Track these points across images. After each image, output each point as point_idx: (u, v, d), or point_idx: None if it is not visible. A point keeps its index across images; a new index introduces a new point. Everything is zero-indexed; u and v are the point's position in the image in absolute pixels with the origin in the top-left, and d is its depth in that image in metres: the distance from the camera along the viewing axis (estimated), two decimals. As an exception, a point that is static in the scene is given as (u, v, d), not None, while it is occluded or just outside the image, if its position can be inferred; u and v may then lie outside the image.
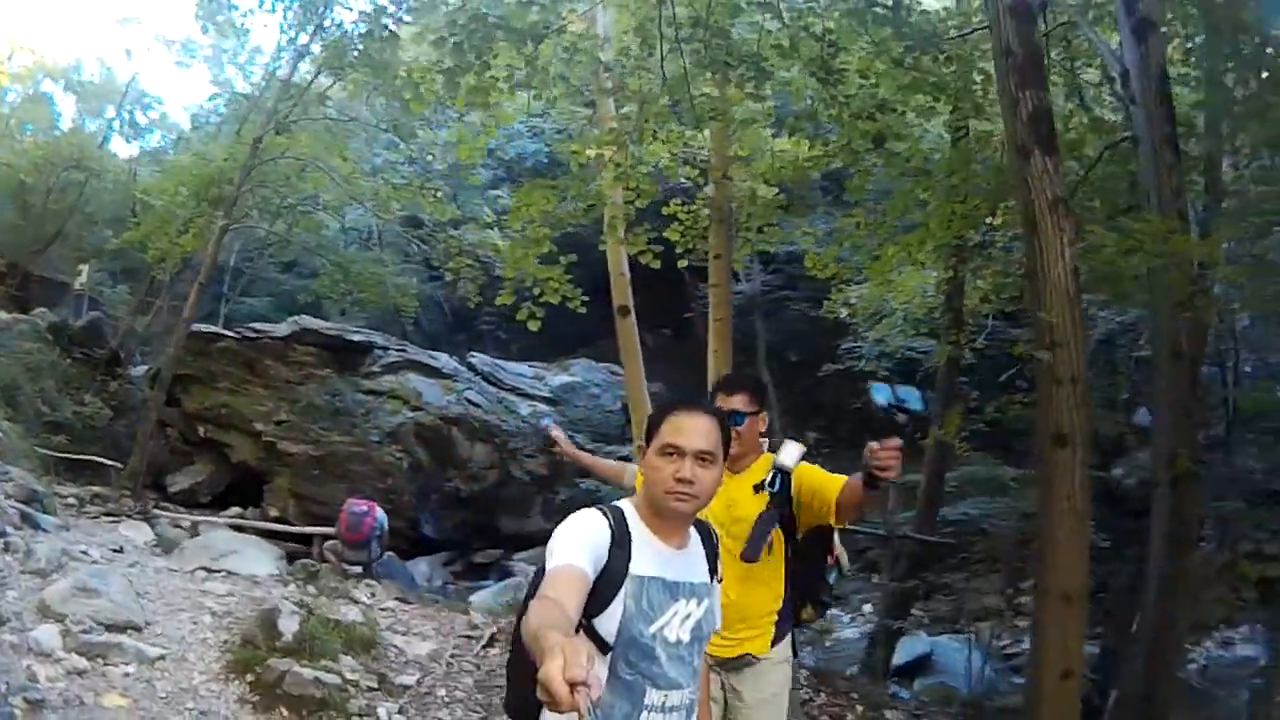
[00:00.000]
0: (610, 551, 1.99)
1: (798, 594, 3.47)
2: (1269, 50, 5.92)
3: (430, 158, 12.71)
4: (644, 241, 8.69)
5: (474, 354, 15.39)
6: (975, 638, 9.45)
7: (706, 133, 8.71)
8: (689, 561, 2.13)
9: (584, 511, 2.08)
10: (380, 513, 9.14)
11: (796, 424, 16.07)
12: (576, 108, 11.76)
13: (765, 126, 8.86)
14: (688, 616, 2.06)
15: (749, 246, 9.70)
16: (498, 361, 15.74)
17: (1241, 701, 7.39)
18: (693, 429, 2.06)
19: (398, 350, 13.76)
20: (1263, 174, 6.01)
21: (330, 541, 9.44)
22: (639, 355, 10.12)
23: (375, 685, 5.89)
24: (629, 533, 2.04)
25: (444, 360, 14.21)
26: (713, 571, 2.20)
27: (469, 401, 14.01)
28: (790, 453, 3.31)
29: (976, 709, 7.69)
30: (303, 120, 11.89)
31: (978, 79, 7.19)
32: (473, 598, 10.87)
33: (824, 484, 3.24)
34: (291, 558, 9.66)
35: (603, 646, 1.97)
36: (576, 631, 1.80)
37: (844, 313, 13.39)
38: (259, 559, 8.60)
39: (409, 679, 6.26)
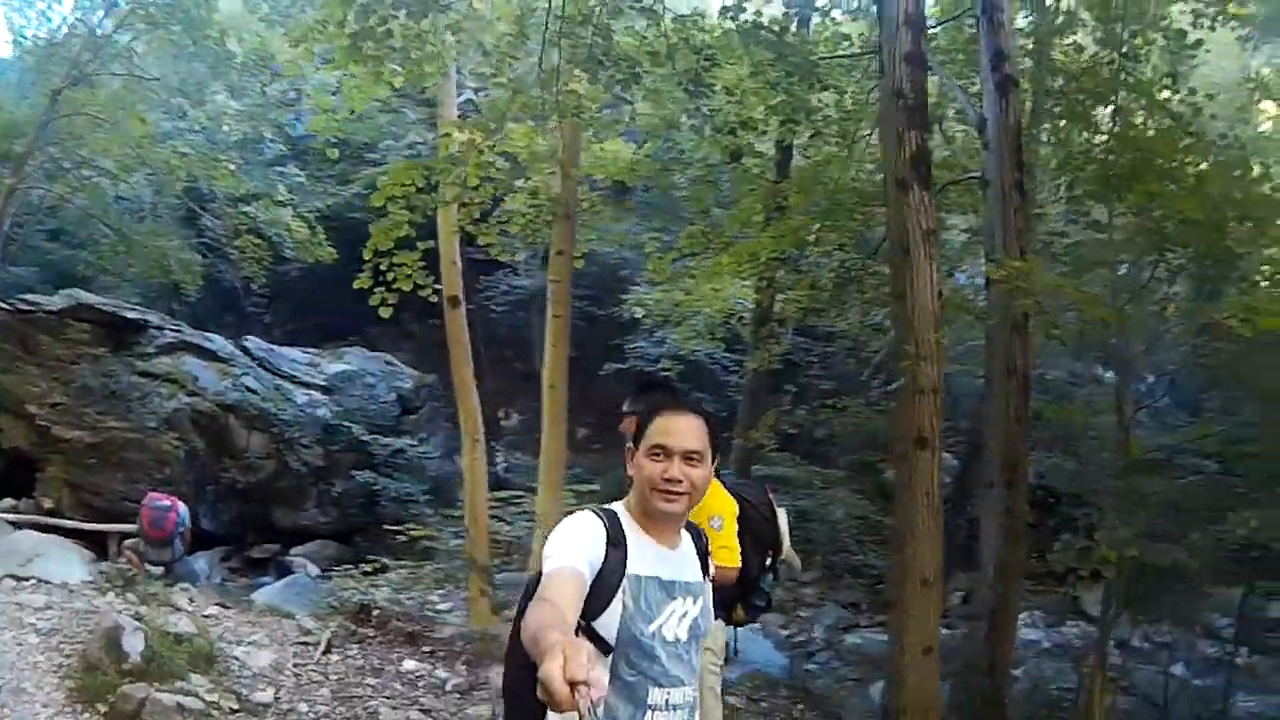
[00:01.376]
0: (606, 552, 1.99)
1: (730, 596, 3.50)
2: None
3: (226, 128, 11.45)
4: (496, 233, 8.51)
5: (249, 338, 14.15)
6: (762, 628, 10.19)
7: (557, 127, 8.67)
8: (682, 561, 2.14)
9: (578, 513, 2.09)
10: (183, 507, 8.30)
11: (569, 420, 16.40)
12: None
13: (624, 129, 9.01)
14: (684, 615, 2.08)
15: (588, 243, 9.78)
16: (272, 346, 14.63)
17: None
18: (680, 429, 2.05)
19: (173, 330, 12.46)
20: (1083, 217, 7.14)
21: (131, 540, 8.37)
22: (468, 348, 9.86)
23: (236, 706, 5.36)
24: (624, 533, 2.05)
25: (220, 343, 13.05)
26: (705, 570, 2.22)
27: (246, 388, 12.96)
28: None
29: (804, 691, 8.38)
30: (103, 75, 10.36)
31: (828, 104, 7.80)
32: (256, 595, 10.33)
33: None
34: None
35: (604, 648, 1.97)
36: (577, 634, 1.82)
37: (640, 313, 13.89)
38: (69, 562, 7.70)
39: (264, 695, 5.74)
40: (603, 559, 1.97)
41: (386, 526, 11.58)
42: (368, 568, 9.17)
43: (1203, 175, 6.09)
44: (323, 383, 14.80)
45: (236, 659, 6.13)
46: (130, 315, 12.43)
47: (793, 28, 7.25)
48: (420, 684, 6.84)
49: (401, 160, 16.80)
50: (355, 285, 7.41)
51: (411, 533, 10.09)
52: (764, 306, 11.10)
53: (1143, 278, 7.07)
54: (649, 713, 1.99)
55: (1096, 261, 6.93)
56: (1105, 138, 6.89)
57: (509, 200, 9.27)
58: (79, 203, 12.31)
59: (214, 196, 12.84)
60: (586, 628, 1.94)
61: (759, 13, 7.12)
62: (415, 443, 15.00)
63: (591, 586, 1.93)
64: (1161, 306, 6.99)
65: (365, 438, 14.35)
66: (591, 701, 1.31)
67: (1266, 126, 12.11)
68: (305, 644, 7.01)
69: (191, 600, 7.15)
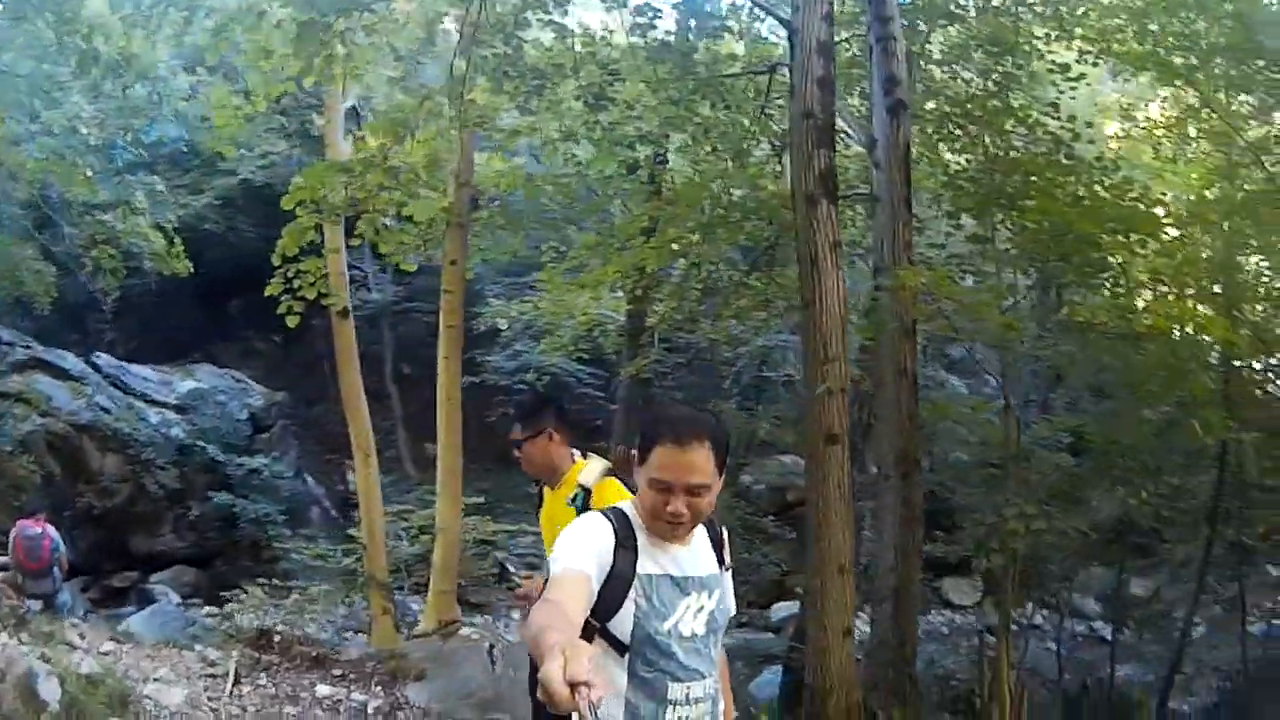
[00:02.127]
0: (615, 554, 1.99)
1: None
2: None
3: (84, 131, 10.53)
4: (399, 240, 8.38)
5: (98, 354, 13.18)
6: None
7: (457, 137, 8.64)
8: (695, 555, 2.12)
9: (587, 516, 2.12)
10: (55, 532, 7.68)
11: (414, 434, 16.28)
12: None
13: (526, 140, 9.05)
14: (700, 609, 2.09)
15: (479, 255, 9.77)
16: (122, 363, 13.72)
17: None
18: (684, 464, 1.97)
19: (24, 347, 11.37)
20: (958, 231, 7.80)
21: (3, 574, 7.62)
22: (356, 361, 9.62)
23: (164, 747, 5.06)
24: (633, 534, 2.04)
25: (71, 360, 12.15)
26: (721, 561, 2.21)
27: (99, 408, 12.09)
28: (593, 469, 3.32)
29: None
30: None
31: (726, 122, 8.14)
32: (126, 626, 9.75)
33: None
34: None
35: (620, 648, 1.99)
36: (592, 637, 1.87)
37: (502, 324, 13.84)
38: None
39: (188, 733, 5.46)
40: (611, 561, 1.97)
41: (284, 545, 11.04)
42: (259, 591, 8.79)
43: (1080, 194, 6.84)
44: (175, 401, 14.12)
45: (150, 699, 5.77)
46: (-23, 330, 11.25)
47: (701, 46, 7.51)
48: (340, 709, 6.67)
49: (257, 168, 16.11)
50: (266, 292, 7.13)
51: (306, 552, 9.70)
52: (638, 317, 11.39)
53: (1019, 286, 7.84)
54: (670, 708, 2.01)
55: (973, 271, 7.61)
56: (984, 159, 7.56)
57: (407, 209, 9.13)
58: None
59: (61, 204, 11.82)
60: (601, 629, 1.96)
61: (669, 32, 7.37)
62: (269, 461, 14.43)
63: (602, 589, 1.93)
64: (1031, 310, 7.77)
65: (220, 458, 13.79)
66: (591, 702, 1.30)
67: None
68: (213, 676, 6.67)
69: (83, 636, 6.65)
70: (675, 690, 2.02)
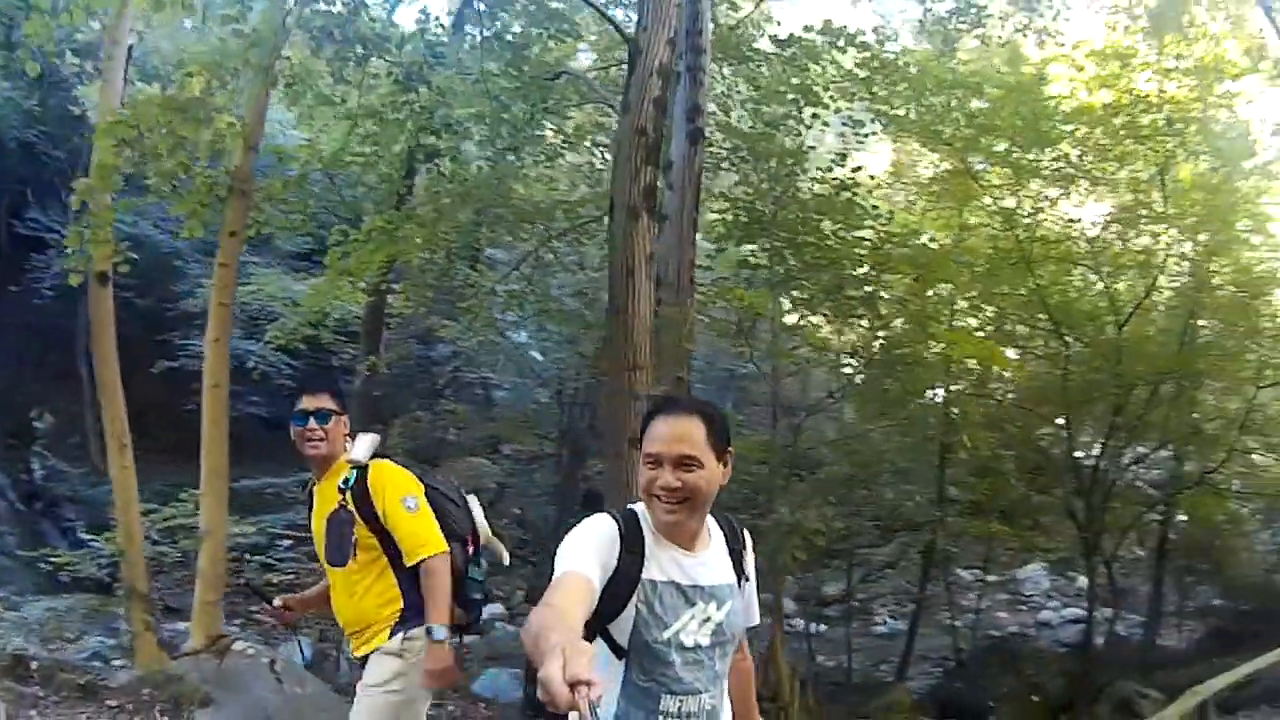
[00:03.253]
0: (620, 556, 1.94)
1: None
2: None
3: None
4: (195, 203, 7.60)
5: None
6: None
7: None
8: (707, 564, 2.05)
9: (594, 516, 2.06)
10: None
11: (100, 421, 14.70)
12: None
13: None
14: (706, 620, 2.00)
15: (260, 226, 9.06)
16: None
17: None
18: (669, 434, 1.95)
19: None
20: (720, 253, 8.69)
21: None
22: (113, 335, 8.44)
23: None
24: (641, 536, 1.99)
25: None
26: (740, 572, 2.13)
27: None
28: (361, 445, 3.14)
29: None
30: None
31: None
32: None
33: (395, 513, 3.05)
34: None
35: (618, 652, 1.96)
36: (592, 638, 1.83)
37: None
38: None
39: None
40: (615, 563, 1.93)
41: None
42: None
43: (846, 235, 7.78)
44: None
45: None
46: None
47: (536, 49, 7.54)
48: (129, 747, 5.76)
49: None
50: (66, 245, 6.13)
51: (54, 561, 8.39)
52: (379, 309, 11.12)
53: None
54: (661, 718, 1.95)
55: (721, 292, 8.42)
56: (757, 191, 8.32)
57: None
58: None
59: None
60: (602, 631, 1.93)
61: (508, 28, 7.34)
62: None
63: (605, 591, 1.88)
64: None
65: None
66: (592, 701, 1.31)
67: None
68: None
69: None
70: (668, 702, 1.96)
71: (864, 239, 7.90)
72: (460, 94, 7.85)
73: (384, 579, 3.12)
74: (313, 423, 3.16)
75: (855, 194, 8.17)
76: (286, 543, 11.45)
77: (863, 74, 8.55)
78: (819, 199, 8.05)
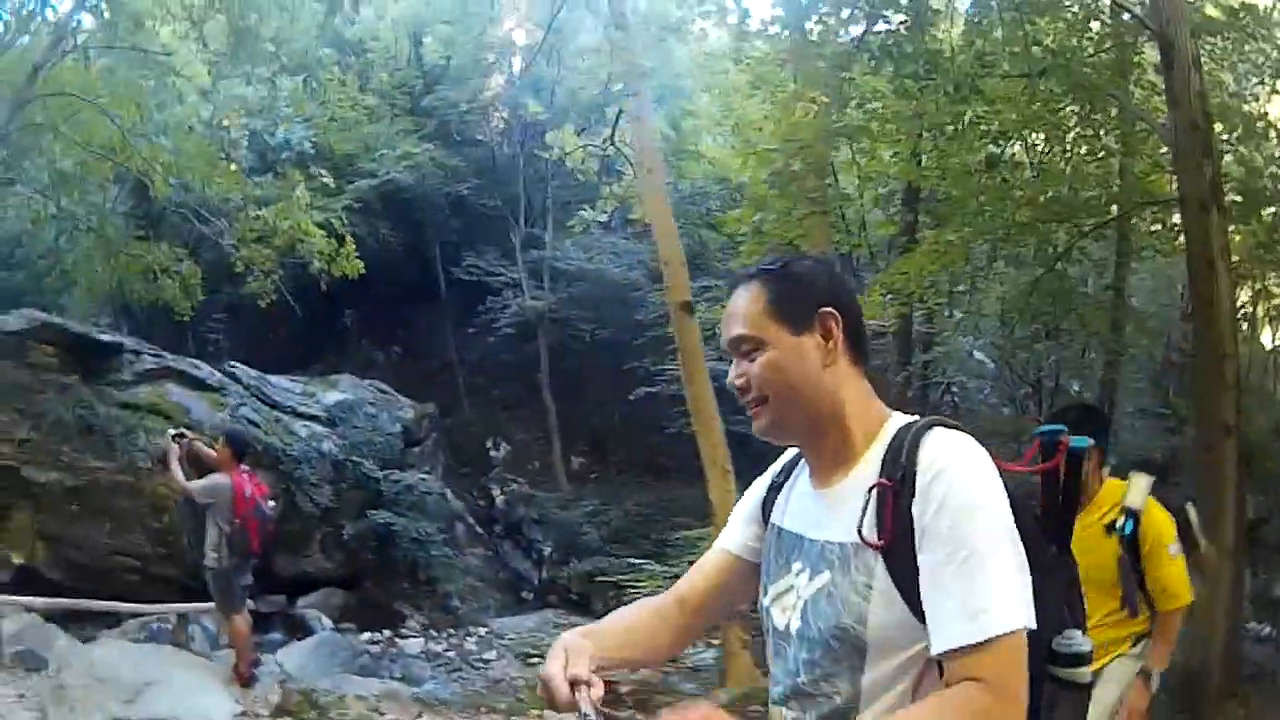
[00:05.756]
0: (764, 501, 1.58)
1: None
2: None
3: (225, 123, 10.39)
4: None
5: (234, 364, 13.47)
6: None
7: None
8: (832, 507, 1.41)
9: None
10: None
11: (566, 446, 16.27)
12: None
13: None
14: (789, 591, 1.43)
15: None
16: (262, 374, 13.85)
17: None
18: (724, 317, 1.49)
19: (153, 356, 11.59)
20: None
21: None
22: (702, 358, 8.63)
23: None
24: (794, 470, 1.56)
25: (206, 370, 12.26)
26: (882, 527, 1.32)
27: (246, 420, 12.12)
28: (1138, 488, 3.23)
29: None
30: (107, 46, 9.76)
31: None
32: (280, 657, 9.29)
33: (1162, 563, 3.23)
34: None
35: None
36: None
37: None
38: (200, 686, 5.97)
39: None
40: (761, 513, 1.58)
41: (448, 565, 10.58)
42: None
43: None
44: (322, 414, 13.79)
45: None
46: (104, 338, 11.11)
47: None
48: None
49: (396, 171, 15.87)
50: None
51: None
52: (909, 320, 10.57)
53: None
54: (779, 710, 1.46)
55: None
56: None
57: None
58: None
59: (202, 204, 11.65)
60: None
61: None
62: (424, 477, 13.81)
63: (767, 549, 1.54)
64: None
65: (375, 474, 12.80)
66: (592, 701, 1.28)
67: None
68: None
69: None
70: (778, 690, 1.45)
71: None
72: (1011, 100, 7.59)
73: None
74: None
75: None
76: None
77: None
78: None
